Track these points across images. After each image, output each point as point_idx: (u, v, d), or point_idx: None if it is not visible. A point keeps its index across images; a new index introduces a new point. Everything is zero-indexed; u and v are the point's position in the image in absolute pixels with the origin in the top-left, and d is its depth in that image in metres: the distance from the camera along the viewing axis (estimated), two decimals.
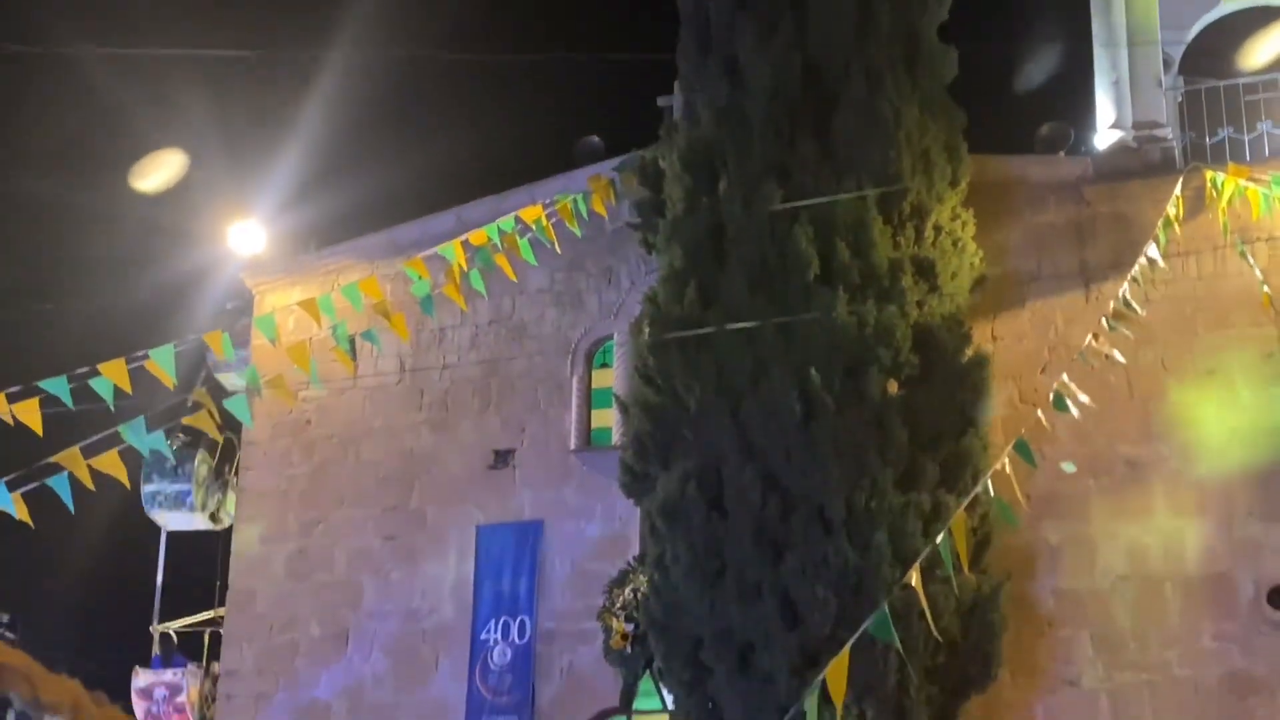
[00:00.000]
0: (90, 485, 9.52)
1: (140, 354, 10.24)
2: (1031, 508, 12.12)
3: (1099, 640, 12.40)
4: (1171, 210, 12.69)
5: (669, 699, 12.62)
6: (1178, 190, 12.86)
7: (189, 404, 14.24)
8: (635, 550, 13.51)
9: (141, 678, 15.83)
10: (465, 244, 12.69)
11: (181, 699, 15.67)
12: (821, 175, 12.33)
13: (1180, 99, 13.82)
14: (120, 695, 16.78)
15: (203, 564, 16.57)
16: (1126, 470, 12.72)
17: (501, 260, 12.73)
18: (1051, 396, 10.91)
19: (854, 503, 11.46)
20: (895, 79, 12.66)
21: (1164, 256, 12.41)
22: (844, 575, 11.29)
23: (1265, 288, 12.54)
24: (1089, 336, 11.90)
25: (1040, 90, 17.12)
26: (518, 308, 15.04)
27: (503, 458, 14.66)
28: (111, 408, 10.10)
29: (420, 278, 12.24)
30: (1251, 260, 12.70)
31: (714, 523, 11.78)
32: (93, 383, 9.97)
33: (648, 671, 13.00)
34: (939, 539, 9.47)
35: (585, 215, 13.86)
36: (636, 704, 13.45)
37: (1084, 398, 11.12)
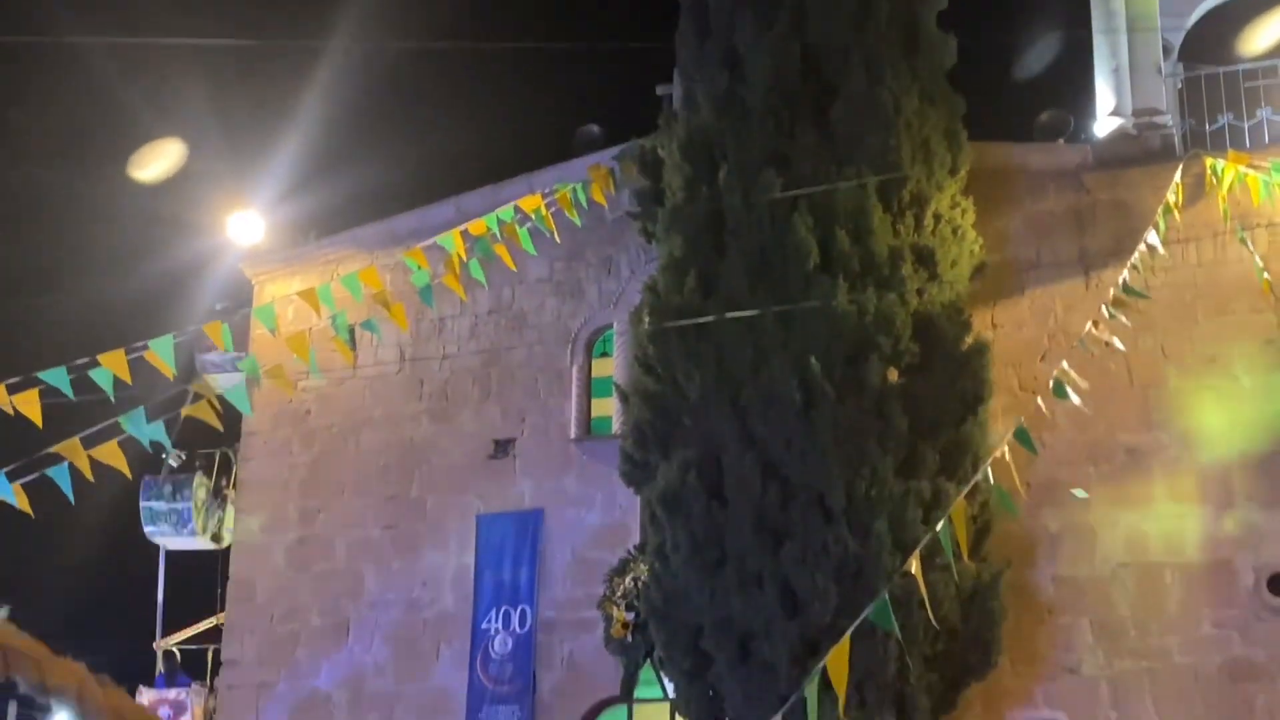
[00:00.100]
0: (90, 476, 9.52)
1: (140, 345, 10.24)
2: (1031, 495, 12.16)
3: (1099, 628, 12.41)
4: (1171, 197, 12.67)
5: (670, 687, 12.64)
6: (1177, 177, 12.84)
7: (190, 396, 14.28)
8: (636, 539, 13.51)
9: (145, 697, 15.79)
10: (464, 234, 12.68)
11: (186, 718, 15.65)
12: (821, 164, 12.33)
13: (1180, 86, 13.80)
14: None
15: (203, 571, 16.58)
16: (1126, 458, 12.72)
17: (501, 250, 12.72)
18: (1051, 384, 10.90)
19: (854, 491, 11.47)
20: (895, 67, 12.65)
21: (1164, 243, 12.41)
22: (844, 563, 11.31)
23: (1265, 274, 12.53)
24: (1089, 324, 11.90)
25: (1040, 77, 17.10)
26: (517, 297, 15.04)
27: (503, 447, 14.66)
28: (112, 398, 10.10)
29: (419, 267, 12.23)
30: (1251, 247, 12.69)
31: (714, 511, 11.80)
32: (92, 373, 9.96)
33: (648, 660, 13.02)
34: (939, 527, 9.47)
35: (585, 204, 13.84)
36: (637, 693, 13.47)
37: (1084, 385, 11.12)
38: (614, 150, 14.46)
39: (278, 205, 16.24)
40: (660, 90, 14.54)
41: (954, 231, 12.68)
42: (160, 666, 16.49)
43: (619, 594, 13.18)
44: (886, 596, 8.90)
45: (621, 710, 13.70)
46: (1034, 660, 12.38)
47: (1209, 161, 12.81)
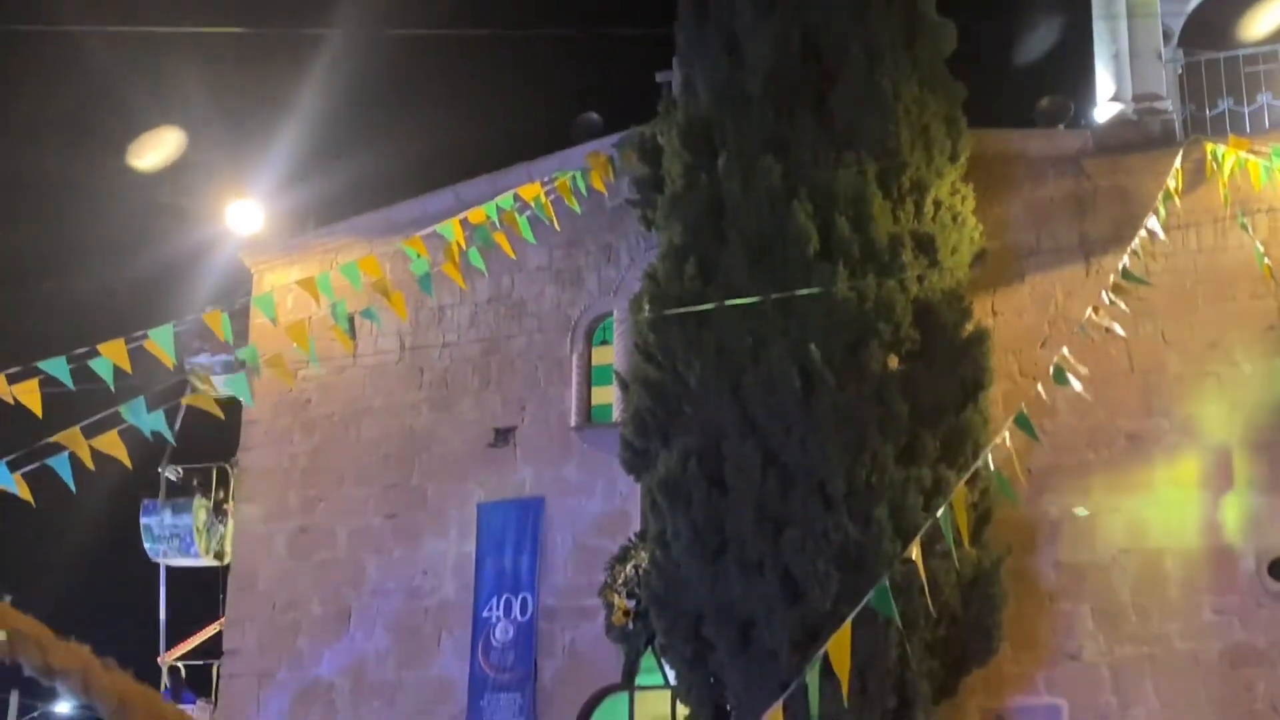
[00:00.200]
0: (90, 465, 9.51)
1: (140, 334, 10.22)
2: (1032, 482, 12.14)
3: (1100, 614, 12.41)
4: (1171, 183, 12.65)
5: (671, 675, 12.66)
6: (1178, 163, 12.81)
7: (188, 387, 14.28)
8: (636, 527, 13.51)
9: None
10: (464, 222, 12.66)
11: None
12: (820, 151, 12.31)
13: (1180, 71, 13.79)
14: None
15: (204, 576, 16.57)
16: (1127, 444, 12.72)
17: (500, 238, 12.71)
18: (1052, 370, 10.90)
19: (854, 478, 11.47)
20: (894, 53, 12.62)
21: (1164, 229, 12.38)
22: (844, 550, 11.31)
23: (1265, 259, 12.51)
24: (1089, 310, 11.88)
25: (1040, 63, 17.08)
26: (517, 285, 15.03)
27: (503, 435, 14.66)
28: (112, 388, 10.08)
29: (419, 256, 12.21)
30: (1251, 232, 12.67)
31: (715, 499, 11.80)
32: (92, 363, 9.95)
33: (649, 648, 13.03)
34: (939, 513, 9.47)
35: (584, 192, 13.82)
36: (638, 680, 13.48)
37: (1084, 371, 11.11)
38: (613, 138, 14.43)
39: (277, 194, 16.24)
40: (659, 77, 14.51)
41: (954, 218, 12.66)
42: (165, 682, 16.50)
43: (620, 582, 13.19)
44: (887, 583, 8.91)
45: (623, 698, 13.71)
46: (1035, 646, 12.39)
47: (1209, 147, 12.78)
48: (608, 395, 14.32)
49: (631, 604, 13.04)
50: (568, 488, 14.23)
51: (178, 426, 15.99)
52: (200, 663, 16.44)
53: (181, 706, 15.69)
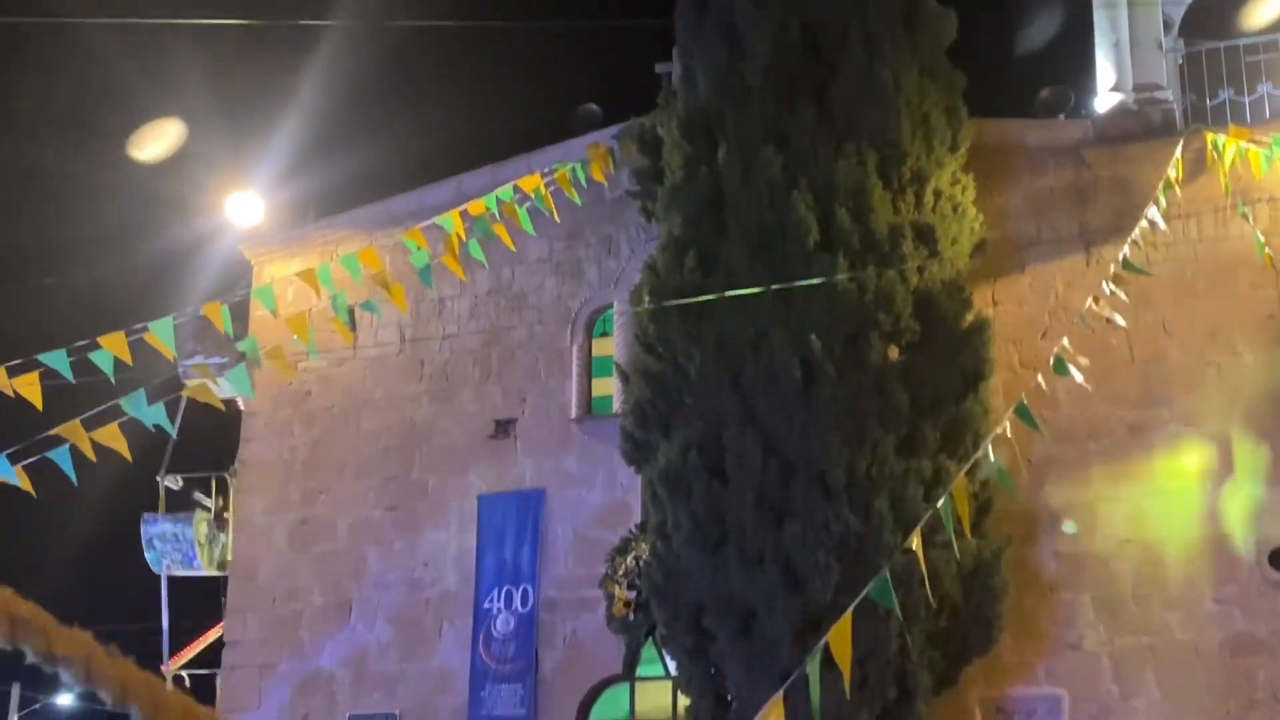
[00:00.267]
0: (92, 457, 9.52)
1: (140, 326, 10.23)
2: (1032, 472, 12.15)
3: (1100, 604, 12.42)
4: (1172, 173, 12.64)
5: (672, 666, 12.68)
6: (1178, 152, 12.80)
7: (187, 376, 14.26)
8: (637, 518, 13.52)
9: None
10: (464, 214, 12.65)
11: None
12: (820, 141, 12.30)
13: (1180, 61, 13.76)
14: None
15: (205, 582, 16.58)
16: (1127, 434, 12.71)
17: (500, 230, 12.70)
18: (1052, 361, 10.89)
19: (855, 469, 11.47)
20: (894, 43, 12.60)
21: (1165, 219, 12.38)
22: (845, 541, 11.32)
23: (1266, 249, 12.50)
24: (1089, 300, 11.88)
25: (1040, 53, 17.06)
26: (517, 277, 15.02)
27: (504, 427, 14.66)
28: (112, 380, 10.08)
29: (419, 248, 12.21)
30: (1252, 221, 12.66)
31: (715, 490, 11.80)
32: (93, 355, 9.95)
33: (650, 639, 13.05)
34: (940, 504, 9.47)
35: (584, 184, 13.81)
36: (639, 671, 13.51)
37: (1084, 362, 11.10)
38: (613, 129, 14.42)
39: (277, 186, 16.23)
40: (659, 68, 14.48)
41: (954, 208, 12.65)
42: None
43: (621, 573, 13.20)
44: (887, 574, 8.91)
45: (624, 688, 13.72)
46: (1036, 636, 12.39)
47: (1210, 136, 12.77)
48: (608, 387, 14.32)
49: (632, 595, 13.05)
50: (568, 479, 14.24)
51: (177, 424, 16.05)
52: (205, 671, 16.41)
53: None
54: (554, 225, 13.74)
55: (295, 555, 15.00)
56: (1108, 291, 11.84)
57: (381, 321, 14.70)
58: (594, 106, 15.13)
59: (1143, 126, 13.33)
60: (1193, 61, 13.65)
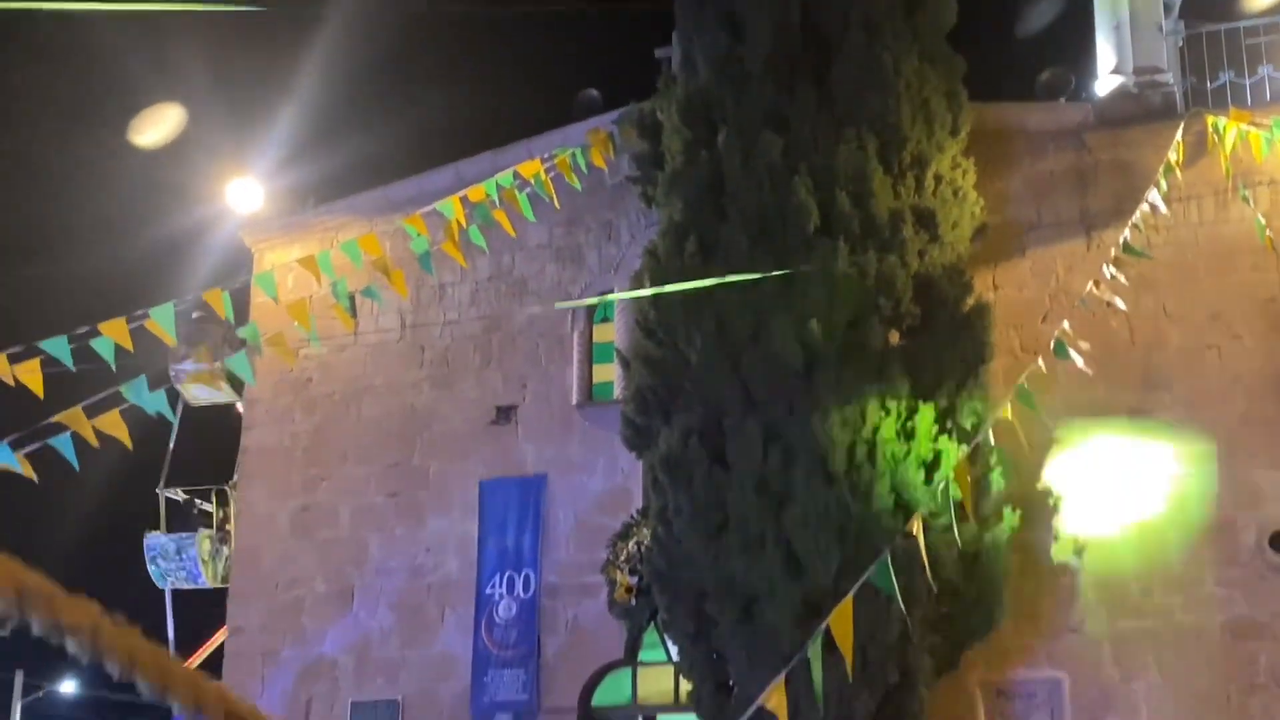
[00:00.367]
0: (94, 442, 9.54)
1: (140, 313, 10.23)
2: (1033, 456, 12.14)
3: (1101, 587, 12.42)
4: (1173, 156, 12.62)
5: (673, 650, 12.70)
6: (1179, 135, 12.79)
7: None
8: (638, 504, 13.54)
9: None
10: (464, 200, 12.64)
11: None
12: (821, 126, 12.27)
13: (1181, 43, 13.72)
14: None
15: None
16: (1128, 418, 12.70)
17: (500, 216, 12.69)
18: (1052, 344, 10.89)
19: (855, 453, 11.48)
20: (894, 27, 12.57)
21: (1165, 202, 12.37)
22: (846, 526, 11.33)
23: (1267, 232, 12.49)
24: (1090, 284, 11.87)
25: (1040, 36, 17.02)
26: (518, 263, 15.01)
27: (505, 413, 14.66)
28: (113, 367, 10.10)
29: (419, 234, 12.21)
30: (1253, 204, 12.65)
31: (716, 475, 11.81)
32: (93, 342, 9.96)
33: (652, 624, 13.08)
34: (940, 488, 9.49)
35: (584, 169, 13.80)
36: (641, 656, 13.53)
37: (1085, 346, 11.10)
38: (613, 114, 14.39)
39: (276, 172, 16.21)
40: (659, 53, 14.45)
41: (955, 193, 12.64)
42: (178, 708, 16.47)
43: (622, 558, 13.22)
44: (888, 558, 8.94)
45: (626, 673, 13.75)
46: (1037, 620, 12.40)
47: (1210, 119, 12.75)
48: (609, 373, 14.32)
49: (634, 580, 13.07)
50: (569, 465, 14.25)
51: (175, 431, 16.11)
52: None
53: None
54: (554, 211, 13.72)
55: (297, 542, 15.02)
56: (1108, 275, 11.83)
57: (382, 308, 14.69)
58: (594, 92, 15.10)
59: (1143, 109, 13.30)
60: (1193, 44, 13.61)
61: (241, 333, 12.11)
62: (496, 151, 14.86)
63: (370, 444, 15.02)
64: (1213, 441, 12.45)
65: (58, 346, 9.74)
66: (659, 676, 13.53)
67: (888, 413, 11.62)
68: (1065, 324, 11.15)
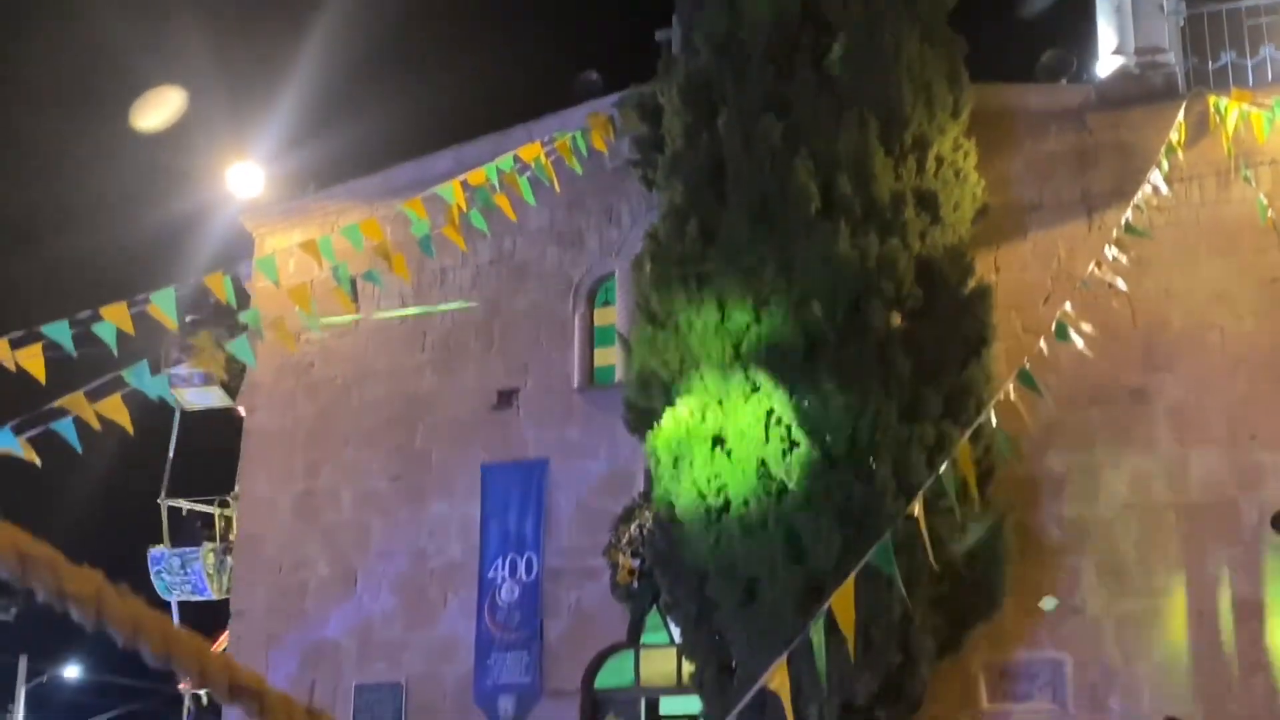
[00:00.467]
0: (96, 425, 9.54)
1: (141, 298, 10.23)
2: (1035, 438, 12.14)
3: (1103, 568, 12.44)
4: (1174, 136, 12.60)
5: (676, 633, 12.72)
6: (1180, 116, 12.75)
7: (193, 348, 14.28)
8: (640, 487, 13.54)
9: None
10: (464, 184, 12.63)
11: None
12: (822, 108, 12.25)
13: (1183, 24, 13.68)
14: None
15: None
16: (1130, 399, 12.71)
17: (501, 200, 12.68)
18: (1054, 326, 10.88)
19: (857, 436, 11.48)
20: (895, 9, 12.54)
21: (1167, 183, 12.34)
22: (847, 508, 11.33)
23: (1269, 212, 12.47)
24: (1092, 265, 11.85)
25: (1041, 17, 16.97)
26: (518, 247, 15.00)
27: (506, 398, 14.67)
28: (114, 352, 10.09)
29: (419, 218, 12.19)
30: (1255, 185, 12.63)
31: (718, 458, 11.81)
32: (95, 327, 9.96)
33: (654, 606, 13.10)
34: (942, 470, 9.49)
35: (585, 153, 13.77)
36: (644, 638, 13.56)
37: (1087, 328, 11.09)
38: (613, 97, 14.36)
39: (277, 157, 16.20)
40: (659, 35, 14.41)
41: (956, 174, 12.62)
42: (189, 707, 16.68)
43: (624, 541, 13.24)
44: (889, 541, 8.94)
45: (628, 656, 13.78)
46: (1038, 601, 12.41)
47: (1212, 100, 12.72)
48: (610, 356, 14.32)
49: (636, 563, 13.09)
50: (571, 449, 14.25)
51: (174, 438, 16.12)
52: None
53: None
54: (555, 195, 13.71)
55: (300, 526, 15.04)
56: (1110, 257, 11.81)
57: (383, 292, 14.69)
58: (594, 75, 15.07)
59: (1144, 90, 13.27)
60: (1195, 24, 13.57)
61: (243, 317, 12.11)
62: (496, 135, 14.84)
63: (372, 428, 15.04)
64: (1213, 422, 12.44)
65: (59, 331, 9.74)
66: (661, 659, 13.57)
67: (889, 395, 11.61)
68: (1067, 305, 11.13)
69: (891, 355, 11.72)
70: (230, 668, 1.51)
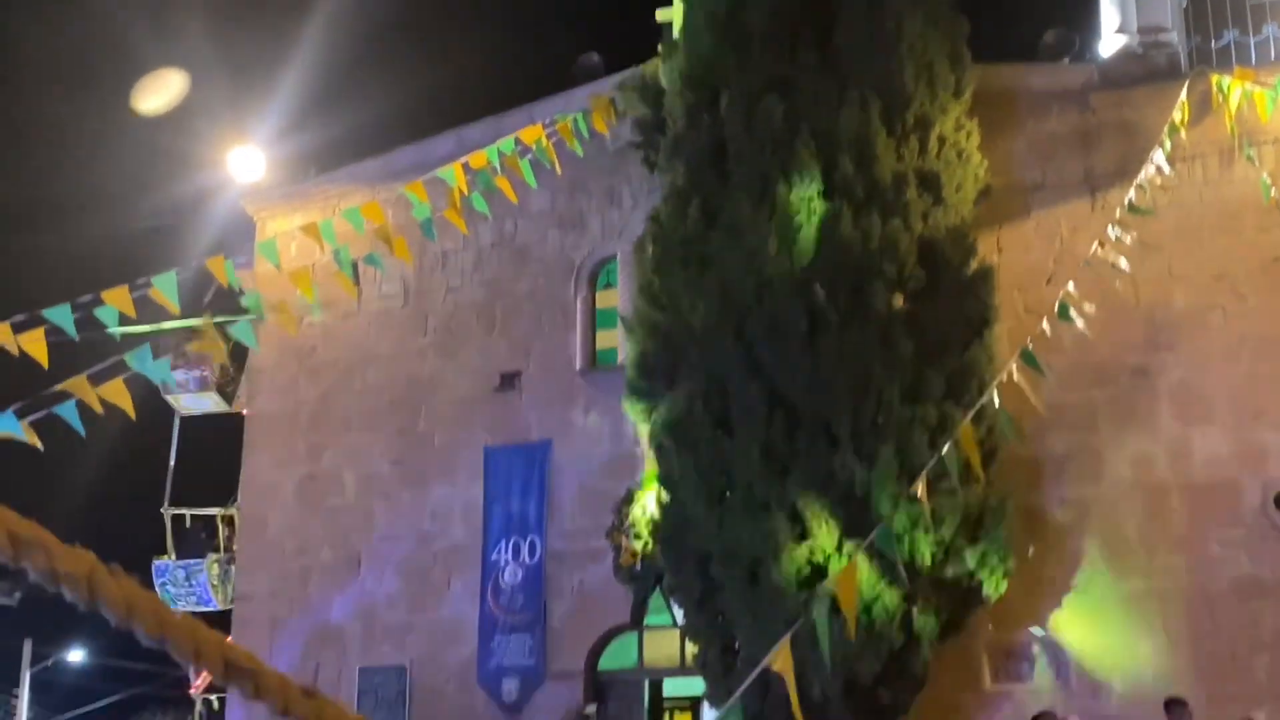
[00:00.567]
0: (99, 409, 9.54)
1: (143, 281, 10.22)
2: (1038, 418, 12.13)
3: (1106, 548, 12.44)
4: (1177, 116, 12.56)
5: (679, 614, 12.73)
6: (1183, 95, 12.71)
7: (195, 331, 14.28)
8: (643, 469, 13.54)
9: None
10: (465, 167, 12.60)
11: None
12: (823, 89, 12.21)
13: (1185, 2, 13.64)
14: None
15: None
16: (1132, 379, 12.69)
17: (502, 182, 12.65)
18: (1057, 306, 10.86)
19: (860, 417, 11.47)
20: None
21: (1169, 162, 12.31)
22: (850, 489, 11.33)
23: (1273, 191, 12.44)
24: (1094, 245, 11.83)
25: None
26: (520, 230, 14.98)
27: (509, 380, 14.66)
28: (117, 336, 10.09)
29: (420, 201, 12.18)
30: (1258, 164, 12.59)
31: (721, 440, 11.81)
32: (97, 311, 9.95)
33: (658, 588, 13.11)
34: (945, 450, 9.49)
35: (586, 135, 13.75)
36: (647, 620, 13.57)
37: (1089, 308, 11.07)
38: (614, 79, 14.33)
39: (278, 140, 16.18)
40: (660, 16, 14.36)
41: (958, 155, 12.58)
42: (200, 711, 16.72)
43: (627, 524, 13.24)
44: (892, 522, 8.95)
45: (632, 637, 13.81)
46: (1042, 581, 12.41)
47: (1215, 79, 12.68)
48: (612, 339, 14.31)
49: (638, 545, 13.10)
50: (574, 431, 14.25)
51: (174, 445, 16.11)
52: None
53: None
54: (556, 177, 13.69)
55: (303, 510, 15.06)
56: (1113, 236, 11.78)
57: (385, 276, 14.68)
58: (595, 56, 15.02)
59: (1147, 69, 13.23)
60: (1197, 3, 13.54)
61: (244, 301, 12.11)
62: (497, 117, 14.81)
63: (375, 412, 15.04)
64: (1216, 402, 12.43)
65: (61, 314, 9.73)
66: (665, 640, 13.58)
67: (892, 376, 11.60)
68: (1070, 286, 11.11)
69: (894, 336, 11.70)
70: (224, 647, 1.51)
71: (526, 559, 14.05)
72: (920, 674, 11.62)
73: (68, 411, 9.48)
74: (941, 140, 12.51)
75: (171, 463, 16.66)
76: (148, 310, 10.29)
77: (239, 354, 15.80)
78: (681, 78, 12.80)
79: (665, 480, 12.23)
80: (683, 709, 14.26)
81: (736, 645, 11.90)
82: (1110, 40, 13.56)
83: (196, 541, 16.34)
